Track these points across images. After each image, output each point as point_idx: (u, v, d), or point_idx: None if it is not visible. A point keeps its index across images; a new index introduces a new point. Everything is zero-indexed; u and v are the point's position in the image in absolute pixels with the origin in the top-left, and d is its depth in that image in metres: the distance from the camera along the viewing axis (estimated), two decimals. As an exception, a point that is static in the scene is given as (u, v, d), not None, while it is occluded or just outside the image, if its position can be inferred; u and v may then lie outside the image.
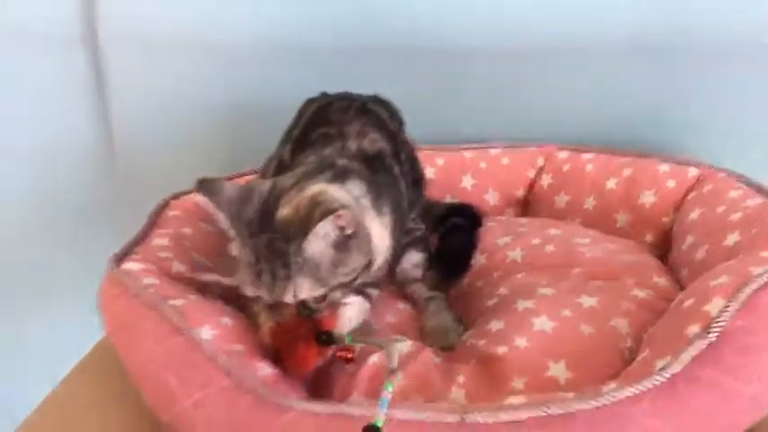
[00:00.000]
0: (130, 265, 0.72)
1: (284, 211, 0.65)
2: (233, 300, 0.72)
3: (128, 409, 0.69)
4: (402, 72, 1.08)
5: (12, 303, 1.28)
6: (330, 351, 0.66)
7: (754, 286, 0.59)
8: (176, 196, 0.93)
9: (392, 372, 0.56)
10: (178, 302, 0.66)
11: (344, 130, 0.80)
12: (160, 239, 0.82)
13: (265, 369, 0.62)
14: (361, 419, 0.54)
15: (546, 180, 1.05)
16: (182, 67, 1.14)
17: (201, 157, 1.17)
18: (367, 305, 0.74)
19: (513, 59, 1.05)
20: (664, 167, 0.95)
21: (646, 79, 1.03)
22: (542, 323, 0.69)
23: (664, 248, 0.91)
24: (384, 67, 1.08)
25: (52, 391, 0.76)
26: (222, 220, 0.67)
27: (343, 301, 0.68)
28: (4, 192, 1.20)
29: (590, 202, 0.99)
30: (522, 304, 0.72)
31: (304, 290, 0.64)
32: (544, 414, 0.54)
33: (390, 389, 0.53)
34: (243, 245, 0.65)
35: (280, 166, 0.82)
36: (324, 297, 0.65)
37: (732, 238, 0.76)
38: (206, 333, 0.63)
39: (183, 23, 1.12)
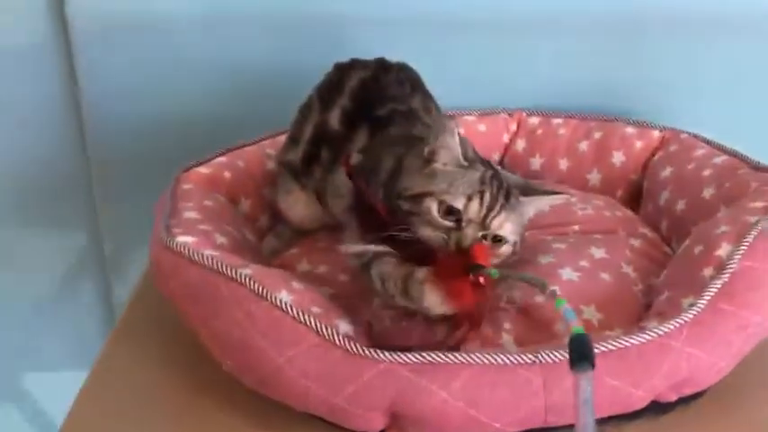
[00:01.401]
0: (184, 239, 0.75)
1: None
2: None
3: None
4: (380, 42, 1.13)
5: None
6: (488, 289, 0.70)
7: (754, 232, 0.72)
8: (186, 169, 0.94)
9: (554, 292, 0.64)
10: (248, 271, 0.70)
11: (412, 106, 0.85)
12: (189, 212, 0.84)
13: (345, 326, 0.68)
14: (447, 366, 0.62)
15: (520, 144, 1.13)
16: (151, 52, 1.14)
17: (179, 141, 1.17)
18: None
19: (487, 31, 1.13)
20: (630, 130, 1.07)
21: (608, 50, 1.13)
22: (568, 274, 0.78)
23: (632, 203, 1.03)
24: (363, 37, 1.12)
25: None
26: (455, 144, 0.72)
27: None
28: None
29: (564, 163, 1.09)
30: (545, 259, 0.81)
31: (507, 225, 0.71)
32: (603, 350, 0.63)
33: (565, 303, 0.59)
34: (469, 167, 0.72)
35: (323, 133, 0.86)
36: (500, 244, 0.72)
37: (708, 192, 0.87)
38: (286, 296, 0.67)
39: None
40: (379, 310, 0.79)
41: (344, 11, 1.12)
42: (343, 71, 0.91)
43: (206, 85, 1.19)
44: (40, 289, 1.29)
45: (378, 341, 0.70)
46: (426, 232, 0.70)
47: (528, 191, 0.77)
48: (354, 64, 0.91)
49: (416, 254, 0.71)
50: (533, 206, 0.77)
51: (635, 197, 1.03)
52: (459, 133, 0.73)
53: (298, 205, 0.92)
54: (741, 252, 0.70)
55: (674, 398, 0.68)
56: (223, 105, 1.18)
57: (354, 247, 0.76)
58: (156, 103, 1.19)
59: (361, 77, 0.89)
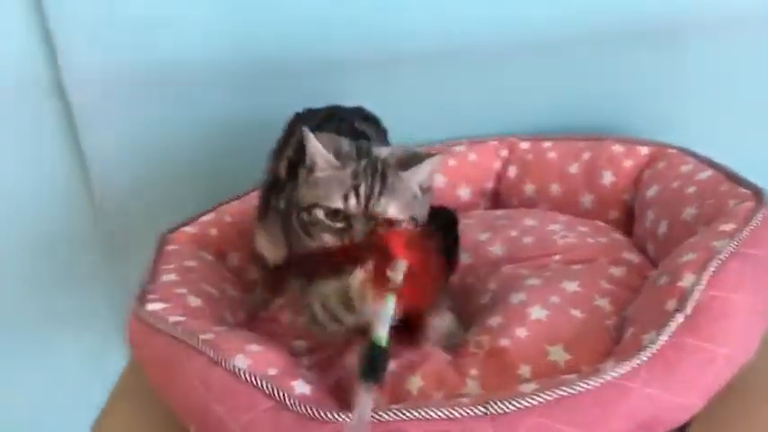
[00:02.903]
0: (154, 306, 0.77)
1: (383, 150, 0.78)
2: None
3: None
4: (359, 83, 1.14)
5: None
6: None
7: (718, 260, 0.68)
8: (171, 230, 0.97)
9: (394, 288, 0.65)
10: (209, 336, 0.71)
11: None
12: (168, 276, 0.86)
13: (300, 387, 0.68)
14: (398, 423, 0.62)
15: (512, 171, 1.12)
16: (152, 101, 1.17)
17: (180, 189, 1.20)
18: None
19: (462, 60, 1.12)
20: (618, 148, 1.04)
21: (592, 67, 1.11)
22: (537, 312, 0.76)
23: (628, 224, 1.00)
24: (353, 77, 1.13)
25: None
26: (320, 149, 0.75)
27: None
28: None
29: (555, 188, 1.07)
30: (516, 297, 0.80)
31: (392, 207, 0.74)
32: (556, 397, 0.62)
33: (391, 302, 0.62)
34: (341, 167, 0.75)
35: (275, 182, 0.89)
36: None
37: (689, 212, 0.85)
38: (241, 362, 0.68)
39: (145, 60, 1.15)
40: (352, 363, 0.80)
41: (338, 58, 1.12)
42: (294, 121, 0.93)
43: (206, 139, 1.22)
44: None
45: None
46: (325, 238, 0.75)
47: (405, 162, 0.77)
48: (307, 114, 0.93)
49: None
50: (415, 178, 0.77)
51: (630, 218, 1.00)
52: (326, 136, 0.78)
53: (267, 246, 0.94)
54: (704, 282, 0.67)
55: (646, 437, 0.65)
56: (229, 157, 1.21)
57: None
58: (158, 157, 1.22)
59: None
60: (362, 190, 0.74)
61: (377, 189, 0.74)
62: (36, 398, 1.32)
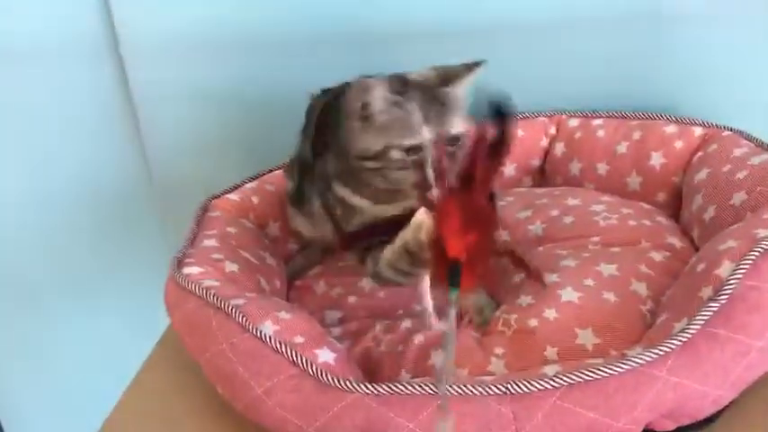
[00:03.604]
0: (190, 269, 0.79)
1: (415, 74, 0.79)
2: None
3: (202, 398, 0.77)
4: (397, 56, 1.13)
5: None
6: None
7: (760, 249, 0.66)
8: (215, 197, 0.99)
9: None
10: (239, 302, 0.73)
11: None
12: (208, 241, 0.88)
13: (324, 356, 0.69)
14: (415, 397, 0.62)
15: (559, 148, 1.10)
16: (204, 68, 1.19)
17: (233, 157, 1.22)
18: None
19: (514, 35, 1.09)
20: (671, 129, 1.00)
21: (641, 44, 1.07)
22: (568, 294, 0.75)
23: (676, 207, 0.97)
24: (401, 49, 1.12)
25: (127, 389, 0.84)
26: (376, 91, 0.75)
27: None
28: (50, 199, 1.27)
29: (602, 168, 1.04)
30: (550, 278, 0.79)
31: (456, 124, 0.75)
32: (577, 380, 0.61)
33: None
34: (402, 103, 0.74)
35: (304, 165, 0.90)
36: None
37: (738, 197, 0.81)
38: (268, 328, 0.70)
39: (200, 24, 1.16)
40: (380, 334, 0.81)
41: (387, 30, 1.11)
42: (313, 103, 0.92)
43: (256, 105, 1.23)
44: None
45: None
46: (399, 175, 0.74)
47: (445, 79, 0.77)
48: (323, 93, 0.92)
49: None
50: (462, 91, 0.77)
51: (679, 201, 0.97)
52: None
53: (305, 227, 0.96)
54: (742, 271, 0.65)
55: (671, 427, 0.64)
56: (278, 125, 1.22)
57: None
58: (209, 122, 1.24)
59: (321, 107, 0.89)
60: (432, 118, 0.73)
61: (436, 109, 0.74)
62: (87, 352, 1.38)
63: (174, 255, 0.83)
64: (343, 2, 1.10)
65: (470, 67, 0.78)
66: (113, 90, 1.23)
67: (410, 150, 0.74)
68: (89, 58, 1.18)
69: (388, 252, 0.73)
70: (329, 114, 0.86)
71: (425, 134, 0.73)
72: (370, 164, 0.75)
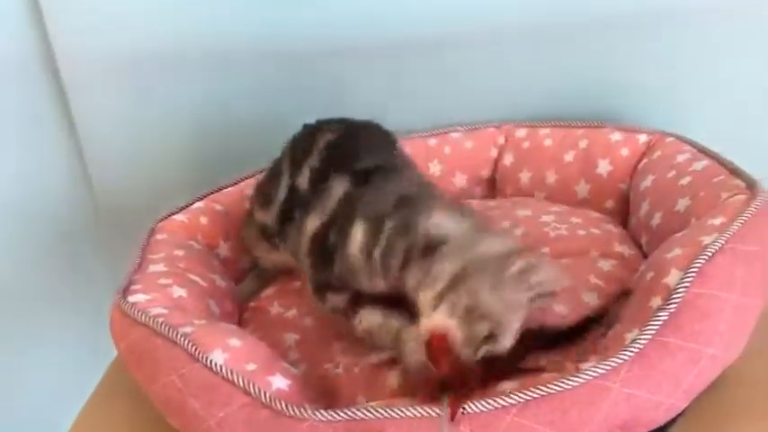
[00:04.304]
0: (137, 297, 0.77)
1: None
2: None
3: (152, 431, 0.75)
4: (357, 70, 1.13)
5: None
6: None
7: (705, 256, 0.67)
8: (162, 219, 0.97)
9: None
10: (188, 330, 0.71)
11: (393, 162, 0.86)
12: (155, 265, 0.86)
13: (277, 383, 0.68)
14: (371, 422, 0.61)
15: (508, 159, 1.10)
16: (147, 85, 1.16)
17: (178, 173, 1.20)
18: None
19: (461, 47, 1.10)
20: (616, 136, 1.02)
21: (588, 53, 1.09)
22: (521, 307, 0.75)
23: (625, 214, 0.98)
24: (349, 64, 1.12)
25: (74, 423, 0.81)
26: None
27: None
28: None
29: (551, 176, 1.05)
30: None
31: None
32: (534, 396, 0.61)
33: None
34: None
35: (295, 195, 0.87)
36: None
37: (683, 203, 0.83)
38: (218, 357, 0.68)
39: (141, 44, 1.14)
40: (338, 356, 0.80)
41: (334, 45, 1.11)
42: (311, 133, 0.90)
43: (201, 124, 1.21)
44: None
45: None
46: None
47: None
48: (321, 126, 0.90)
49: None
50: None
51: (627, 208, 0.99)
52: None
53: (270, 256, 0.95)
54: (689, 279, 0.65)
55: (626, 437, 0.64)
56: (224, 143, 1.20)
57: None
58: (153, 141, 1.22)
59: (328, 139, 0.88)
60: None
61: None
62: (30, 386, 1.33)
63: (119, 282, 0.81)
64: (283, 21, 1.09)
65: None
66: (53, 111, 1.19)
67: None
68: (25, 80, 1.15)
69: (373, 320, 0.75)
70: (341, 149, 0.86)
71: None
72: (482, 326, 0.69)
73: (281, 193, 0.89)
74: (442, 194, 0.86)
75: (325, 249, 0.80)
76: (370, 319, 0.76)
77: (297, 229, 0.86)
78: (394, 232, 0.74)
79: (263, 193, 0.93)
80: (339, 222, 0.79)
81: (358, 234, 0.76)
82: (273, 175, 0.92)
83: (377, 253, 0.74)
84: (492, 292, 0.66)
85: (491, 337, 0.66)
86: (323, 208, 0.82)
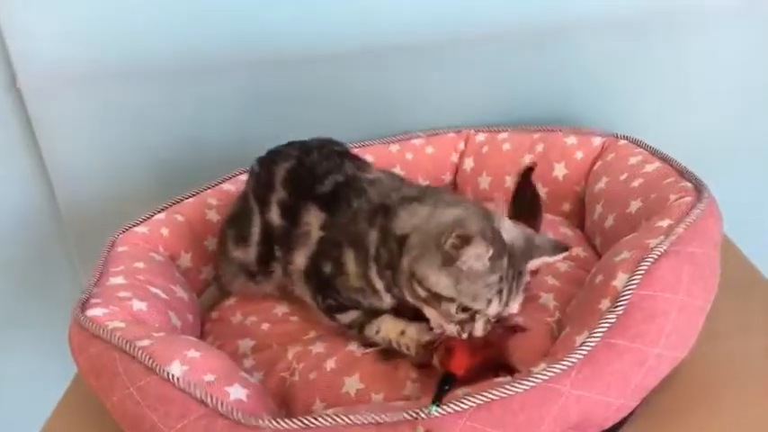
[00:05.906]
0: (95, 311, 0.77)
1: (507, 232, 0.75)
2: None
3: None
4: (323, 76, 1.13)
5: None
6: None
7: (651, 258, 0.68)
8: (123, 231, 0.96)
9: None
10: (145, 343, 0.71)
11: (348, 172, 0.87)
12: (115, 278, 0.86)
13: (236, 393, 0.68)
14: (329, 429, 0.62)
15: (468, 163, 1.12)
16: (112, 99, 1.16)
17: (145, 186, 1.19)
18: None
19: (423, 53, 1.11)
20: (571, 140, 1.04)
21: (541, 59, 1.11)
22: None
23: (581, 216, 1.00)
24: (309, 73, 1.13)
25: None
26: (480, 251, 0.70)
27: None
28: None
29: (510, 180, 1.06)
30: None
31: (515, 305, 0.74)
32: (486, 400, 0.62)
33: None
34: (490, 271, 0.71)
35: (270, 232, 0.88)
36: None
37: (635, 205, 0.85)
38: (176, 369, 0.68)
39: (100, 53, 1.13)
40: (293, 362, 0.80)
41: (293, 54, 1.11)
42: (267, 167, 0.91)
43: (164, 135, 1.20)
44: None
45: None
46: (439, 322, 0.74)
47: (531, 250, 0.75)
48: (275, 157, 0.91)
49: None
50: (534, 265, 0.77)
51: (583, 210, 1.00)
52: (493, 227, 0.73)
53: (248, 291, 0.95)
54: (636, 281, 0.67)
55: (577, 438, 0.66)
56: (188, 154, 1.20)
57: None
58: (117, 156, 1.21)
59: (286, 168, 0.88)
60: (504, 294, 0.72)
61: (514, 291, 0.73)
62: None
63: (78, 296, 0.80)
64: (241, 29, 1.10)
65: (557, 250, 0.77)
66: (13, 124, 1.18)
67: (464, 309, 0.72)
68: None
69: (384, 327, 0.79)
70: (301, 176, 0.87)
71: (491, 309, 0.72)
72: (421, 291, 0.73)
73: (255, 231, 0.90)
74: (401, 183, 0.87)
75: (322, 279, 0.83)
76: (386, 327, 0.79)
77: (282, 266, 0.88)
78: (376, 252, 0.78)
79: (237, 231, 0.93)
80: (327, 252, 0.82)
81: (351, 264, 0.80)
82: (242, 211, 0.93)
83: (372, 274, 0.79)
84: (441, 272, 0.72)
85: (467, 310, 0.72)
86: (306, 244, 0.84)
